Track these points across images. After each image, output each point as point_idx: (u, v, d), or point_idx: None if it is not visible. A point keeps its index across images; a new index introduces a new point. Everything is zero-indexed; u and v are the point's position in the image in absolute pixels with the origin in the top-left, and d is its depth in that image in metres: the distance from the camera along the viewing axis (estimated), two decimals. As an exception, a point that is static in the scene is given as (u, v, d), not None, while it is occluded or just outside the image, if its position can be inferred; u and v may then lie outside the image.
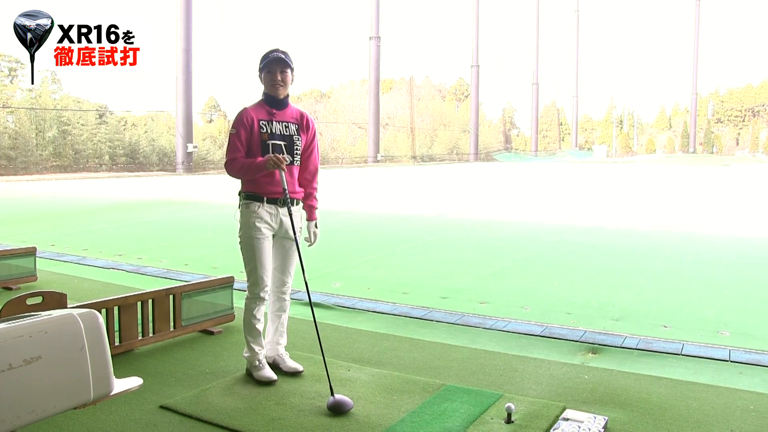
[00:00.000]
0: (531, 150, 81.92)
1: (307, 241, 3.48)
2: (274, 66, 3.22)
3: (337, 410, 2.86)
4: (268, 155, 3.14)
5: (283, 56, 3.22)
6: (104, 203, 16.03)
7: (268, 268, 3.29)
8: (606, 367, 3.55)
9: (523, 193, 20.51)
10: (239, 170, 3.21)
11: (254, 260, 3.24)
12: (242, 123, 3.22)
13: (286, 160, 3.21)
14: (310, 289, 3.32)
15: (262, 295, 3.29)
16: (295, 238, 3.25)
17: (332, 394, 2.94)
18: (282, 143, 3.26)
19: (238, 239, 3.29)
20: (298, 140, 3.32)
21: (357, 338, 4.08)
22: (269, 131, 3.23)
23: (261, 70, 3.27)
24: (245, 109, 3.28)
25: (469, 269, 6.73)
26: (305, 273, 3.31)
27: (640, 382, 3.31)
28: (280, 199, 3.24)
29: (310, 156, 3.42)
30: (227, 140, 3.31)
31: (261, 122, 3.23)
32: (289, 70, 3.26)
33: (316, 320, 3.22)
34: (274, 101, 3.28)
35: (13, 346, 1.80)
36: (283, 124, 3.29)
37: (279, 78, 3.23)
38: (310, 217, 3.47)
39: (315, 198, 3.49)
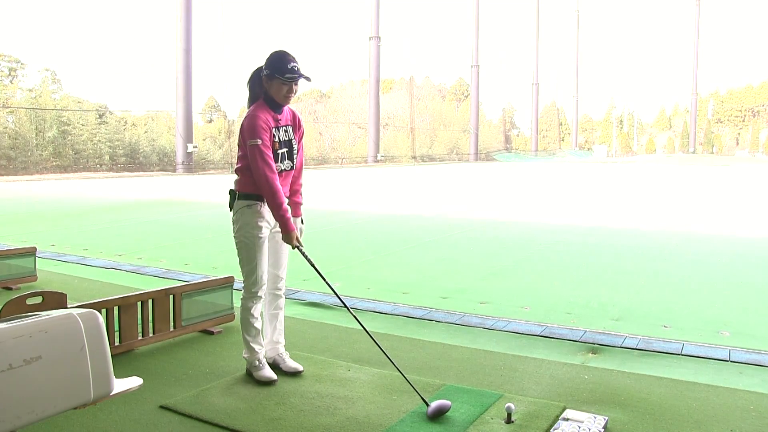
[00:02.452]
0: (531, 150, 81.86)
1: None
2: (291, 80, 3.16)
3: (440, 413, 2.83)
4: (294, 238, 3.18)
5: (301, 73, 3.16)
6: (104, 203, 16.02)
7: (266, 267, 3.31)
8: (606, 367, 3.55)
9: (523, 193, 20.50)
10: (268, 189, 3.10)
11: (255, 260, 3.24)
12: (262, 129, 3.12)
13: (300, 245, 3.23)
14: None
15: (260, 294, 3.30)
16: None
17: (426, 404, 2.89)
18: (285, 150, 3.26)
19: (235, 238, 3.28)
20: (295, 144, 3.32)
21: (357, 338, 4.08)
22: (278, 139, 3.22)
23: (272, 77, 3.14)
24: (257, 114, 3.15)
25: (469, 269, 6.73)
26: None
27: (640, 382, 3.31)
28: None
29: (297, 154, 3.38)
30: (248, 151, 3.13)
31: (272, 129, 3.20)
32: (299, 81, 3.23)
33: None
34: (278, 106, 3.24)
35: (13, 346, 1.80)
36: (284, 129, 3.27)
37: (293, 91, 3.20)
38: (296, 213, 3.43)
39: (300, 194, 3.47)
